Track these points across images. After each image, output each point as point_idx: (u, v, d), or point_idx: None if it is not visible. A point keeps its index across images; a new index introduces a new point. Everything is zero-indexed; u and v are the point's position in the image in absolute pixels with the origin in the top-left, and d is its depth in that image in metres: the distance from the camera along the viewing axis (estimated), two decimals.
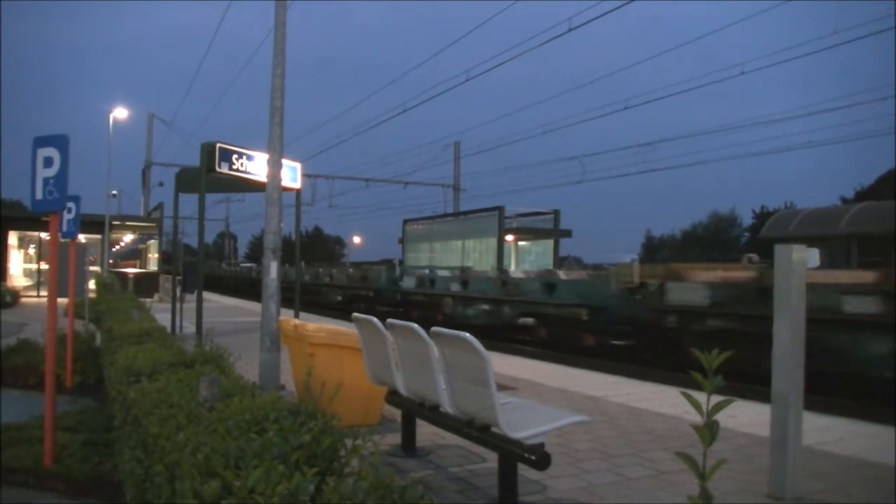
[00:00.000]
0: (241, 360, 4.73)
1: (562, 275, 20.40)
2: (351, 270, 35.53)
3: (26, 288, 27.50)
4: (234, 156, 11.37)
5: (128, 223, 32.08)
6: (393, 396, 5.22)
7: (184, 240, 49.07)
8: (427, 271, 27.64)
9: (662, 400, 7.49)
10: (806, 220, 20.85)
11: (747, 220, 70.98)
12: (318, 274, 37.32)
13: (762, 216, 57.28)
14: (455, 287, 23.34)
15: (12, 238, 27.92)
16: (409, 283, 26.64)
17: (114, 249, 33.42)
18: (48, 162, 5.09)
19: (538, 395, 7.68)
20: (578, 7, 17.97)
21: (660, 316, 15.36)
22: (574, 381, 8.84)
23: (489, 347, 4.18)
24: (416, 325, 4.59)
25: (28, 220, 25.22)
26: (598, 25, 17.92)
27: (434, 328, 4.31)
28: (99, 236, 25.90)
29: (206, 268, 60.04)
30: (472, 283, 22.69)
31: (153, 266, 31.75)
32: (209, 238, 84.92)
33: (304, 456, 2.00)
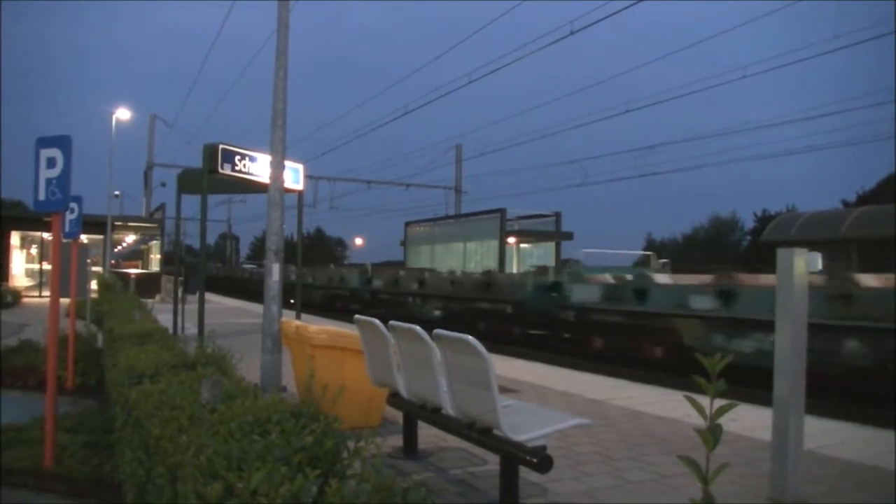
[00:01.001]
0: (243, 362, 4.73)
1: None
2: (458, 275, 25.04)
3: (28, 288, 27.52)
4: (237, 157, 11.39)
5: (130, 224, 32.14)
6: (394, 398, 5.21)
7: (186, 241, 49.18)
8: (609, 277, 18.45)
9: (664, 404, 7.49)
10: (808, 224, 20.80)
11: (749, 223, 71.12)
12: (396, 279, 27.57)
13: (764, 219, 57.37)
14: (702, 303, 14.58)
15: (14, 238, 27.97)
16: (584, 294, 17.89)
17: (116, 250, 33.47)
18: (51, 162, 5.09)
19: (540, 398, 7.67)
20: (580, 11, 18.01)
21: None
22: (576, 385, 8.84)
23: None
24: (417, 328, 4.59)
25: (30, 220, 25.28)
26: (599, 29, 17.95)
27: (436, 330, 4.30)
28: (101, 237, 25.91)
29: (221, 269, 59.85)
30: (744, 298, 13.68)
31: (155, 267, 31.78)
32: (211, 239, 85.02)
33: (306, 458, 2.00)
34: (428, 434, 5.43)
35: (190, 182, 13.36)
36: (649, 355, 15.08)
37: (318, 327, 6.49)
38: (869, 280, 12.66)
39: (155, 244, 32.78)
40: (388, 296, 27.65)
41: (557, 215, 32.48)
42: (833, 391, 10.00)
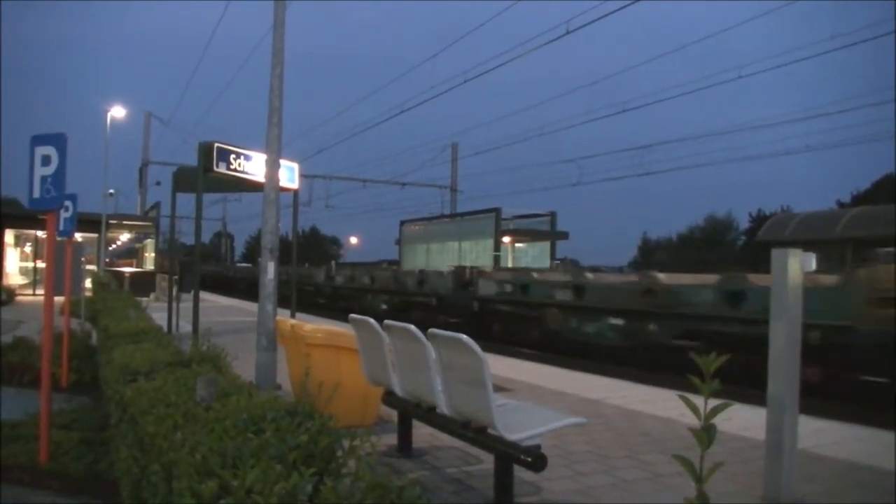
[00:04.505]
0: (238, 360, 4.72)
1: None
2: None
3: (22, 286, 27.44)
4: (232, 155, 11.37)
5: (125, 222, 32.03)
6: (389, 397, 5.22)
7: (180, 239, 48.91)
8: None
9: (659, 403, 7.50)
10: (802, 224, 20.83)
11: (744, 223, 71.22)
12: (354, 276, 27.85)
13: (759, 219, 57.43)
14: (563, 295, 17.23)
15: (9, 236, 27.87)
16: (487, 289, 20.81)
17: (110, 248, 33.37)
18: (46, 160, 5.08)
19: (534, 397, 7.68)
20: (576, 10, 18.01)
21: None
22: (570, 384, 8.85)
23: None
24: (412, 326, 4.59)
25: (25, 218, 25.12)
26: (595, 28, 17.94)
27: (431, 329, 4.30)
28: (96, 235, 25.84)
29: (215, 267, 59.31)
30: (590, 291, 16.84)
31: (150, 265, 31.70)
32: (206, 238, 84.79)
33: (301, 456, 2.00)
34: (423, 433, 5.43)
35: (185, 180, 13.33)
36: (530, 337, 17.90)
37: (313, 326, 6.48)
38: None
39: (150, 243, 32.70)
40: (348, 291, 30.49)
41: (553, 215, 32.45)
42: None
